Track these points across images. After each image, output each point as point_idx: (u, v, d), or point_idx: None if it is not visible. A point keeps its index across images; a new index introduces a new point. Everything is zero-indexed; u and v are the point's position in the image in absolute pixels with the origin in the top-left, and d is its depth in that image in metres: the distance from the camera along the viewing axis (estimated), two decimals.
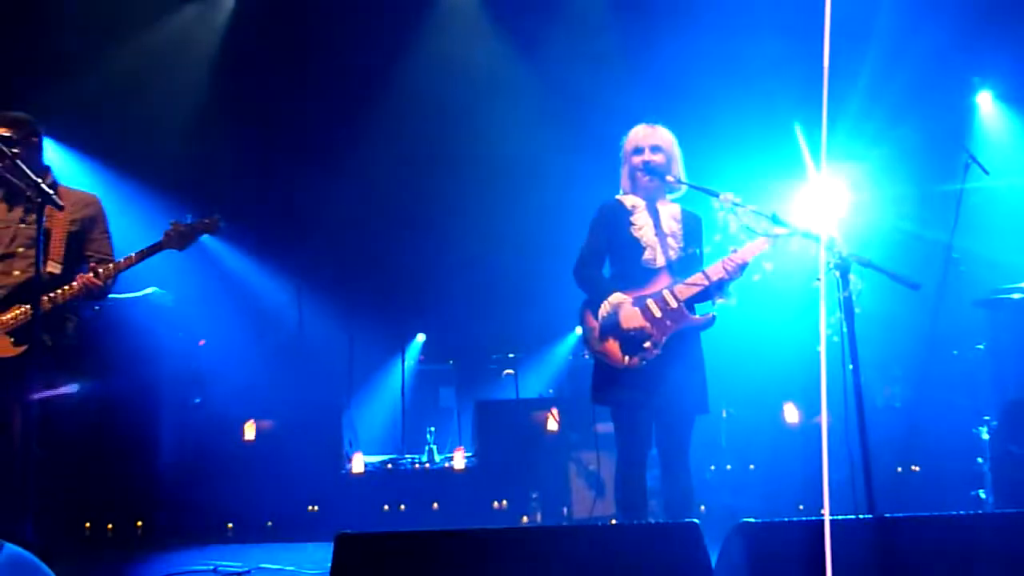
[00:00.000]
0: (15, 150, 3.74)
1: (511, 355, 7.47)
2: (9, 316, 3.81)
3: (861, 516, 2.90)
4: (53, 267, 3.88)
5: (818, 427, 6.21)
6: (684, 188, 3.77)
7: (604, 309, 3.55)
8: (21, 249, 3.92)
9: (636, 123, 3.86)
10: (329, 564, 2.36)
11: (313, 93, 7.90)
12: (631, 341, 3.50)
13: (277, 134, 7.94)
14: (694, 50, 7.07)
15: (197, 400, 6.67)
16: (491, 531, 2.46)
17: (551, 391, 7.56)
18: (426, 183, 8.12)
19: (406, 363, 7.42)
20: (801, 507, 6.02)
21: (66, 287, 3.84)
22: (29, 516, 3.81)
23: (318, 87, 7.90)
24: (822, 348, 2.56)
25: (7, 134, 3.81)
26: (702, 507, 6.20)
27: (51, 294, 3.81)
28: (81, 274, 3.89)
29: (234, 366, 7.05)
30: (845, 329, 3.20)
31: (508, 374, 7.65)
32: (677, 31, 7.17)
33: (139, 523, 5.73)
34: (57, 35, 7.10)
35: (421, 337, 8.43)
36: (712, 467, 6.92)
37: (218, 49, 7.86)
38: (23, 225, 3.95)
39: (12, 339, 3.80)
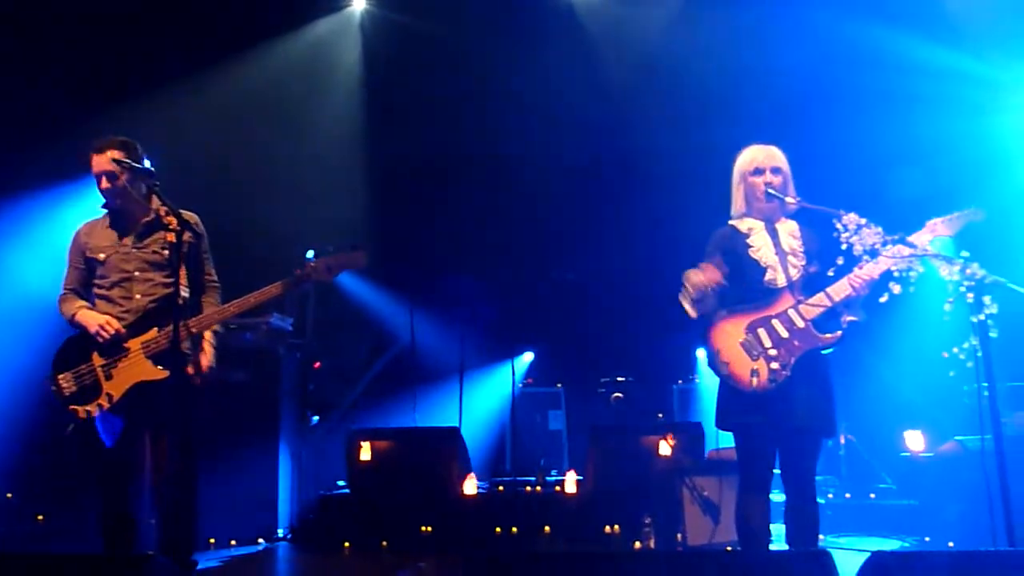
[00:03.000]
0: (126, 174, 3.91)
1: (620, 379, 7.45)
2: (148, 338, 3.87)
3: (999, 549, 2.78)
4: (183, 291, 3.87)
5: (943, 456, 5.95)
6: (798, 206, 3.68)
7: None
8: (138, 273, 3.97)
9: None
10: None
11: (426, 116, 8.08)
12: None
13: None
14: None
15: (314, 419, 6.89)
16: (617, 554, 2.46)
17: (660, 415, 7.49)
18: (539, 202, 8.18)
19: (515, 385, 7.49)
20: (927, 539, 5.77)
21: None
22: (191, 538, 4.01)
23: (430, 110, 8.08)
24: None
25: (120, 157, 3.91)
26: (822, 537, 6.01)
27: (191, 319, 3.88)
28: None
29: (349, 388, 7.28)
30: (980, 354, 3.09)
31: (617, 398, 7.63)
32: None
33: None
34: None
35: (529, 356, 8.45)
36: (830, 495, 6.72)
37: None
38: (136, 250, 4.00)
39: (153, 362, 3.85)
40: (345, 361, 7.76)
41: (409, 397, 7.60)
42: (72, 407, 3.85)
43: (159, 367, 3.85)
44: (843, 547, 5.80)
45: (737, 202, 3.79)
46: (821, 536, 5.94)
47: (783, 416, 3.43)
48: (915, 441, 6.55)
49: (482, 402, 8.11)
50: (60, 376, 3.90)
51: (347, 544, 5.94)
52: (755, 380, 3.42)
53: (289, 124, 7.94)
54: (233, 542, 5.86)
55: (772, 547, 3.68)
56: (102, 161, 3.93)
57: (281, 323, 6.30)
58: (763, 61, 7.33)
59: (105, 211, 4.11)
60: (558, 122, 7.94)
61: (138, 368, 3.85)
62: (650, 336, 7.98)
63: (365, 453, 6.27)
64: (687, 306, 3.52)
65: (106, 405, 3.81)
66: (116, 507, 3.89)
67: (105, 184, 3.96)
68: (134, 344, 3.87)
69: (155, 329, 3.89)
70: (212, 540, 5.77)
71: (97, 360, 3.88)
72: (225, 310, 3.98)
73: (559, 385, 8.04)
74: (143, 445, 3.93)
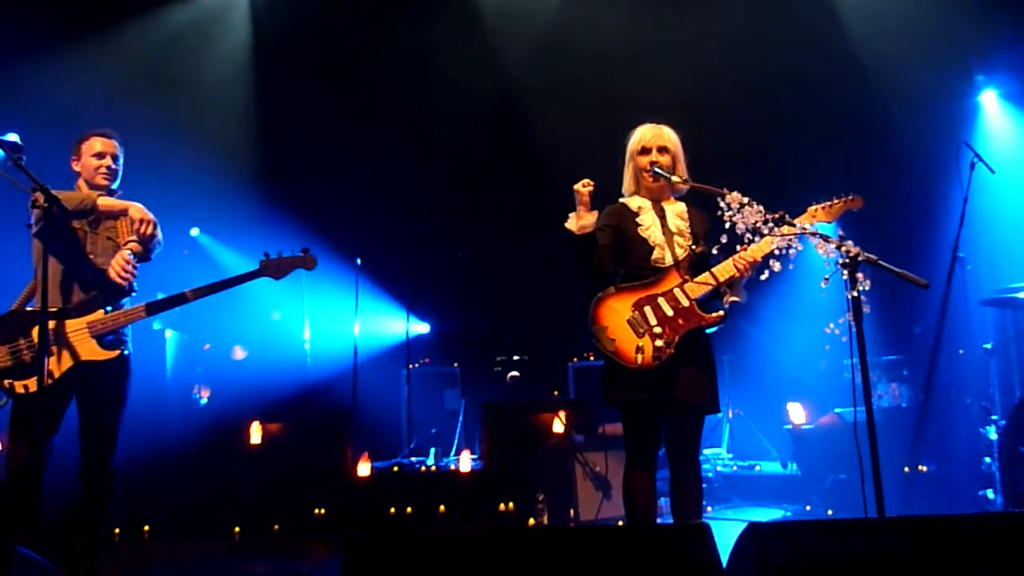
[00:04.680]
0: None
1: (516, 358, 7.47)
2: (94, 318, 3.88)
3: (870, 517, 2.89)
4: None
5: (823, 428, 6.21)
6: (688, 188, 3.75)
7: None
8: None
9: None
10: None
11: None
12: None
13: None
14: None
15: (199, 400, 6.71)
16: (502, 532, 2.45)
17: (555, 392, 7.55)
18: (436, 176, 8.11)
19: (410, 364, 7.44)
20: (808, 508, 6.02)
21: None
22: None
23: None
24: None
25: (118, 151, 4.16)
26: (708, 508, 6.20)
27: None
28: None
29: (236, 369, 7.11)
30: (854, 329, 3.19)
31: (513, 377, 7.65)
32: None
33: None
34: None
35: (424, 327, 8.39)
36: (718, 467, 6.93)
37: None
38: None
39: (98, 343, 3.88)
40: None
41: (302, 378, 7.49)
42: (7, 381, 3.80)
43: (105, 348, 3.88)
44: (727, 518, 6.00)
45: (627, 180, 3.84)
46: (708, 508, 6.17)
47: (666, 393, 3.49)
48: (797, 414, 6.81)
49: (378, 382, 8.04)
50: None
51: (237, 529, 5.83)
52: (640, 357, 3.46)
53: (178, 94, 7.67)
54: (116, 530, 5.67)
55: (658, 521, 3.75)
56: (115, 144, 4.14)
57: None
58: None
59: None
60: (459, 93, 7.88)
61: (83, 347, 3.84)
62: (546, 315, 8.05)
63: (256, 436, 6.15)
64: (602, 319, 3.57)
65: (47, 382, 3.71)
66: (27, 468, 3.74)
67: (115, 166, 4.13)
68: (79, 323, 3.87)
69: (101, 311, 3.90)
70: None
71: (36, 336, 3.80)
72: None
73: (456, 364, 8.02)
74: (61, 417, 3.89)
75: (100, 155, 4.08)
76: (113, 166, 4.11)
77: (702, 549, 2.52)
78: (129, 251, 3.96)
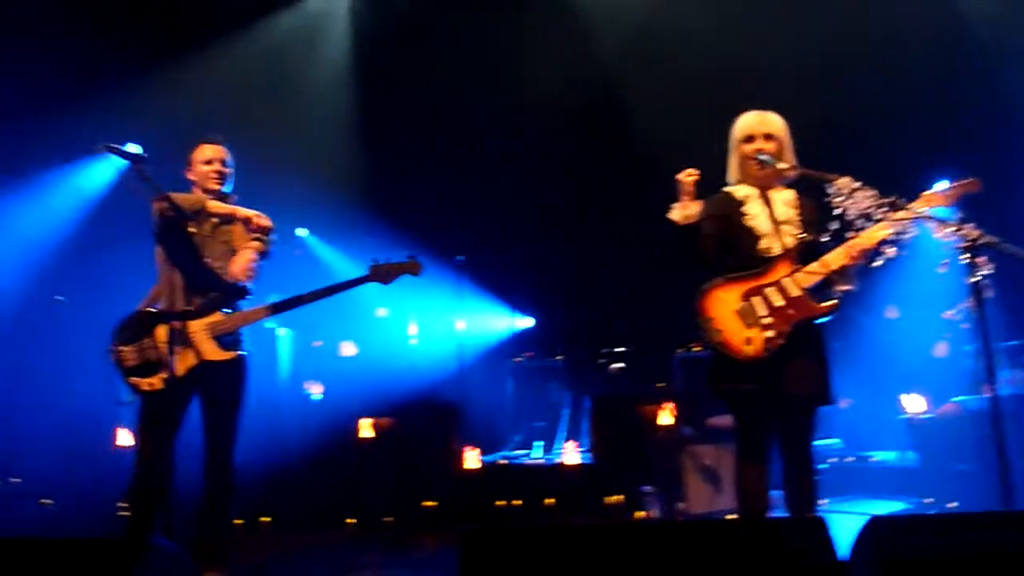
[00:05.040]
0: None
1: (620, 349, 7.43)
2: (214, 320, 3.99)
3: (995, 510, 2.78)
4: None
5: (943, 417, 5.97)
6: (797, 175, 3.66)
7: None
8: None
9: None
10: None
11: None
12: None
13: None
14: None
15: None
16: (622, 526, 2.46)
17: (661, 385, 7.48)
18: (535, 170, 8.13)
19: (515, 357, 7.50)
20: (929, 500, 5.80)
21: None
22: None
23: None
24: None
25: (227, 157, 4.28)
26: (824, 501, 6.03)
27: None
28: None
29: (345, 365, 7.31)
30: (976, 315, 3.07)
31: (617, 369, 7.61)
32: None
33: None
34: None
35: (529, 322, 8.42)
36: (832, 459, 6.74)
37: None
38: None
39: (217, 343, 3.98)
40: None
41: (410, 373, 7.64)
42: (133, 379, 3.95)
43: (224, 349, 3.98)
44: (844, 511, 5.83)
45: (731, 169, 3.78)
46: (823, 501, 6.00)
47: (776, 385, 3.42)
48: (915, 403, 6.56)
49: (483, 376, 8.13)
50: (122, 347, 3.98)
51: (350, 521, 6.01)
52: (749, 348, 3.41)
53: (285, 99, 7.93)
54: (239, 521, 5.91)
55: (771, 514, 3.69)
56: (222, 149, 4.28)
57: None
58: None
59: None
60: (556, 87, 7.87)
61: (204, 348, 3.96)
62: (650, 305, 7.97)
63: (366, 430, 6.31)
64: (710, 309, 3.52)
65: (170, 381, 3.89)
66: (155, 464, 3.91)
67: (224, 169, 4.25)
68: (200, 324, 3.98)
69: (220, 313, 4.01)
70: None
71: (161, 335, 3.96)
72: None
73: (559, 357, 8.03)
74: (183, 413, 4.03)
75: (209, 161, 4.20)
76: (223, 169, 4.23)
77: (819, 543, 2.46)
78: (252, 250, 4.11)
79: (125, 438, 6.16)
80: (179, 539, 3.54)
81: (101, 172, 6.68)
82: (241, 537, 5.80)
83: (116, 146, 3.80)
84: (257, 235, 4.14)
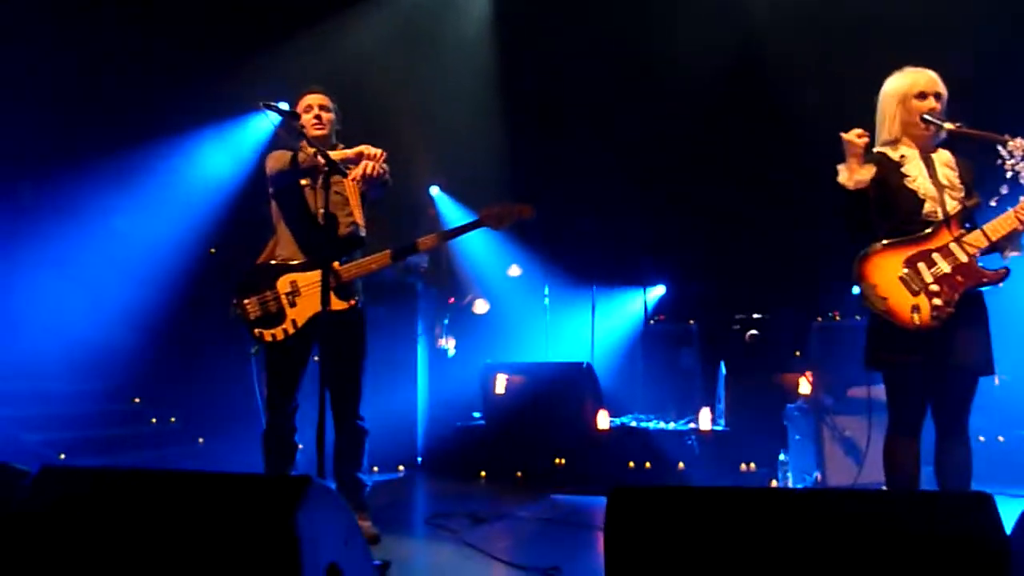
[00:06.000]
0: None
1: (756, 316, 7.25)
2: (333, 269, 4.03)
3: None
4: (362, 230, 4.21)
5: None
6: (959, 134, 3.43)
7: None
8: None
9: None
10: None
11: None
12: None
13: None
14: None
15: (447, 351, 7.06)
16: (777, 492, 2.40)
17: (798, 353, 7.27)
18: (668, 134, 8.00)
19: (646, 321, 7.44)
20: None
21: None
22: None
23: None
24: None
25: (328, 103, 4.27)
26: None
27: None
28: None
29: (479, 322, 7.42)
30: None
31: (753, 336, 7.44)
32: None
33: None
34: None
35: (660, 291, 8.35)
36: (981, 438, 6.42)
37: None
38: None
39: (335, 293, 3.99)
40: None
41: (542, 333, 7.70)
42: (257, 330, 4.09)
43: (340, 299, 4.03)
44: (1000, 491, 5.55)
45: (891, 127, 3.53)
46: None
47: (942, 356, 3.27)
48: None
49: (613, 337, 8.11)
50: (246, 300, 4.12)
51: (483, 474, 6.13)
52: (916, 317, 3.25)
53: (425, 63, 8.03)
54: (375, 468, 6.12)
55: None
56: (322, 96, 4.27)
57: (417, 259, 6.46)
58: None
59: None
60: (699, 52, 7.66)
61: (321, 298, 3.94)
62: (787, 272, 7.75)
63: (500, 386, 6.41)
64: (872, 276, 3.36)
65: (291, 331, 4.05)
66: (284, 410, 4.13)
67: (324, 115, 4.25)
68: (317, 275, 3.98)
69: (336, 263, 4.06)
70: None
71: (282, 287, 4.09)
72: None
73: (692, 322, 7.91)
74: (306, 362, 4.19)
75: (308, 108, 4.21)
76: (321, 115, 4.21)
77: (986, 520, 2.35)
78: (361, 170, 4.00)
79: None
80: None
81: (257, 128, 6.95)
82: (378, 483, 6.03)
83: (272, 103, 3.94)
84: (366, 175, 3.99)
